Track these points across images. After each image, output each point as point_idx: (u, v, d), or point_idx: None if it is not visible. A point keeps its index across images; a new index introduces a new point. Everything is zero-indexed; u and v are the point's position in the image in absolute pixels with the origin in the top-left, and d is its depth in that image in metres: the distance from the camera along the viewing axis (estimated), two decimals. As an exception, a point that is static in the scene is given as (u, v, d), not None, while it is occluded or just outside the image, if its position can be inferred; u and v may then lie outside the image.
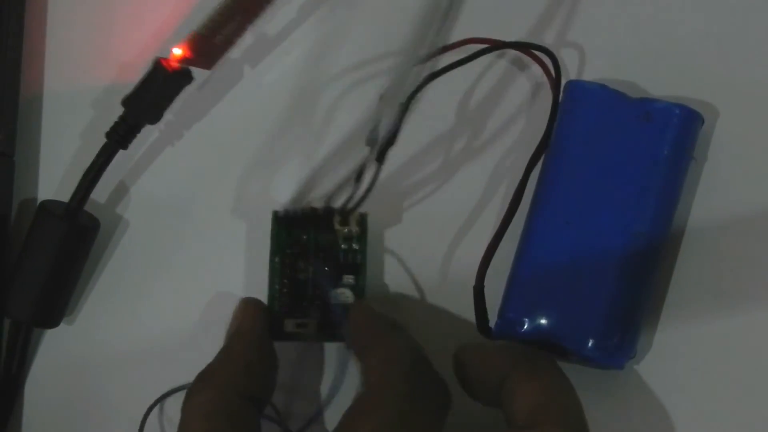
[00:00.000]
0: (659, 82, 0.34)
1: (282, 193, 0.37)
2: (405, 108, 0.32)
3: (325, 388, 0.36)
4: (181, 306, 0.39)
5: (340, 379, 0.36)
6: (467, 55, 0.34)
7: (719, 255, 0.33)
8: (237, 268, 0.38)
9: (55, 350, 0.40)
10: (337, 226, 0.33)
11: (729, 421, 0.32)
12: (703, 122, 0.32)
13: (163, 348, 0.39)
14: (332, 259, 0.33)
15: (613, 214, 0.32)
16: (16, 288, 0.38)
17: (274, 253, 0.34)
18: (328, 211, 0.33)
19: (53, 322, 0.39)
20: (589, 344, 0.31)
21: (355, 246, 0.33)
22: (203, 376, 0.31)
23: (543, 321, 0.31)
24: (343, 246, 0.33)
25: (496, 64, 0.36)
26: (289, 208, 0.33)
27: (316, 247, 0.33)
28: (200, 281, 0.39)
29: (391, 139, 0.32)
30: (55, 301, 0.39)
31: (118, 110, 0.38)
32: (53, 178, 0.41)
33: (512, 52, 0.36)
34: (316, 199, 0.34)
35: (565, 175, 0.33)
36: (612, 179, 0.32)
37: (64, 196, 0.38)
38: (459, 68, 0.34)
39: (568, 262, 0.32)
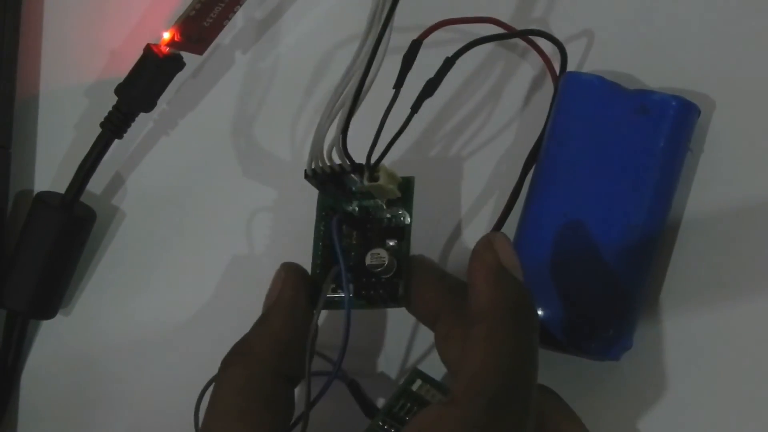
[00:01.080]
0: (656, 74, 0.34)
1: (278, 181, 0.38)
2: (450, 64, 0.30)
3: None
4: (178, 296, 0.39)
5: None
6: (495, 34, 0.33)
7: (716, 246, 0.33)
8: (233, 258, 0.38)
9: (52, 342, 0.40)
10: (366, 183, 0.30)
11: (726, 412, 0.32)
12: (699, 114, 0.32)
13: (160, 339, 0.39)
14: (376, 223, 0.31)
15: (610, 206, 0.32)
16: (13, 279, 0.38)
17: (318, 219, 0.31)
18: (356, 168, 0.30)
19: (49, 313, 0.39)
20: (586, 336, 0.31)
21: (400, 211, 0.31)
22: (239, 349, 0.29)
23: (539, 312, 0.31)
24: (387, 214, 0.31)
25: (495, 52, 0.36)
26: (316, 167, 0.30)
27: (361, 212, 0.31)
28: (197, 271, 0.39)
29: (429, 90, 0.30)
30: (52, 292, 0.39)
31: (114, 102, 0.38)
32: (49, 170, 0.41)
33: (512, 42, 0.36)
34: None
35: (562, 167, 0.33)
36: (609, 171, 0.32)
37: (60, 188, 0.38)
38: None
39: (564, 254, 0.32)
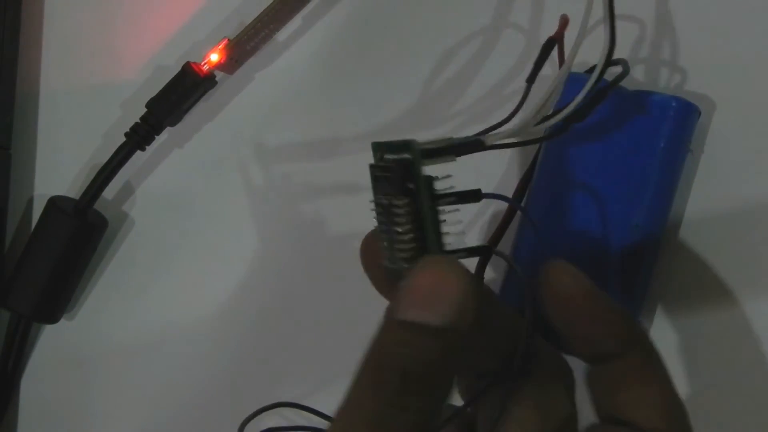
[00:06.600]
0: (656, 75, 0.34)
1: (287, 192, 0.37)
2: (603, 96, 0.27)
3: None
4: (183, 304, 0.39)
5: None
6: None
7: (717, 247, 0.33)
8: (239, 267, 0.38)
9: (53, 346, 0.40)
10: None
11: (728, 412, 0.32)
12: (699, 114, 0.32)
13: (162, 346, 0.39)
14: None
15: (611, 207, 0.32)
16: (20, 281, 0.38)
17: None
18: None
19: (54, 318, 0.39)
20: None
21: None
22: (420, 376, 0.21)
23: (540, 312, 0.31)
24: None
25: (498, 44, 0.36)
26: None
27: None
28: (202, 279, 0.39)
29: (578, 117, 0.26)
30: (58, 296, 0.39)
31: (115, 105, 0.38)
32: (49, 171, 0.41)
33: (512, 35, 0.36)
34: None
35: (562, 167, 0.33)
36: (609, 172, 0.32)
37: (60, 189, 0.38)
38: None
39: (564, 254, 0.32)
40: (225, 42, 0.37)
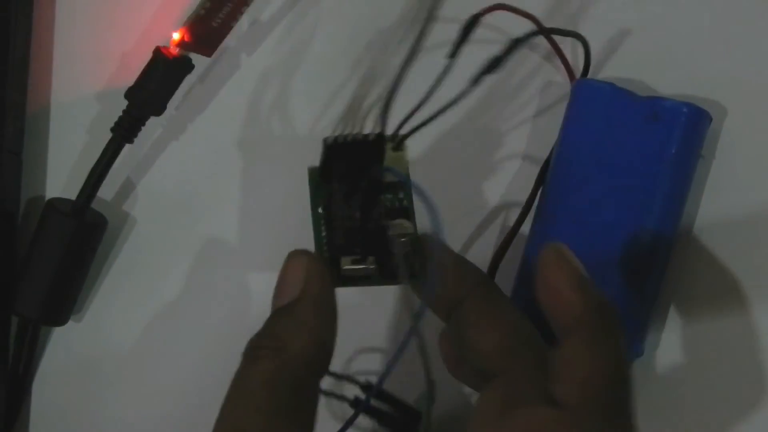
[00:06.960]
0: (667, 81, 0.34)
1: (288, 183, 0.37)
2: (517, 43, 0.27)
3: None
4: (189, 303, 0.39)
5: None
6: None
7: (727, 253, 0.33)
8: (244, 264, 0.38)
9: (63, 348, 0.40)
10: (390, 152, 0.28)
11: (737, 419, 0.32)
12: (711, 120, 0.32)
13: (170, 345, 0.39)
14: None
15: (622, 212, 0.32)
16: (25, 285, 0.38)
17: (315, 204, 0.29)
18: (380, 138, 0.27)
19: (61, 320, 0.39)
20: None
21: (400, 194, 0.29)
22: (268, 343, 0.27)
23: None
24: (388, 194, 0.29)
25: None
26: (338, 135, 0.28)
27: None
28: (208, 277, 0.39)
29: (493, 66, 0.26)
30: (63, 298, 0.39)
31: (124, 107, 0.38)
32: (61, 176, 0.41)
33: (535, 42, 0.36)
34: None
35: (574, 174, 0.33)
36: (620, 177, 0.32)
37: (72, 194, 0.38)
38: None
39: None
40: (187, 19, 0.36)
